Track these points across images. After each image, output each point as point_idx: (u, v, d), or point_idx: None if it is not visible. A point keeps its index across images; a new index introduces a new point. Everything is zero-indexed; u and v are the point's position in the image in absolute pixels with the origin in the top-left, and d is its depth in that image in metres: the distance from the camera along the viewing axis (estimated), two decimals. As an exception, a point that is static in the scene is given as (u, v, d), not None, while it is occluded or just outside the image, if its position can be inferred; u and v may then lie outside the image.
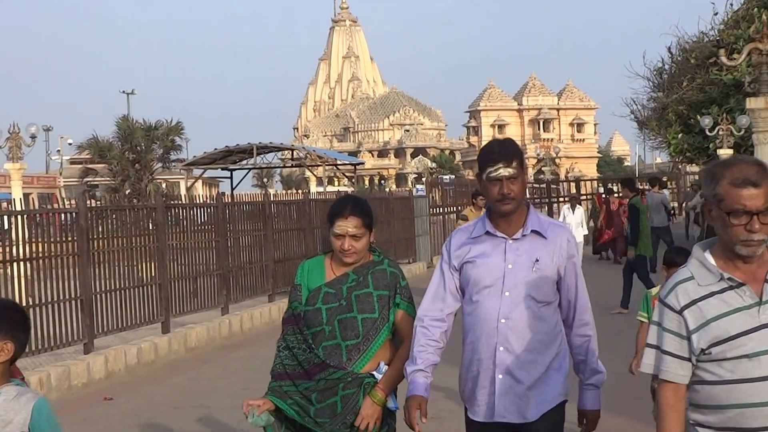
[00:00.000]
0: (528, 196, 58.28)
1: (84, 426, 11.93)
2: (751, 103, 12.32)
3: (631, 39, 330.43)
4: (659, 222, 29.14)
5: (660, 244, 26.50)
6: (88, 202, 16.70)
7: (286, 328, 5.86)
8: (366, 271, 5.85)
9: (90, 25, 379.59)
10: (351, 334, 5.72)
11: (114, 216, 17.51)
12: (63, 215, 16.26)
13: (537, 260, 5.38)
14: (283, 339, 5.85)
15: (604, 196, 32.83)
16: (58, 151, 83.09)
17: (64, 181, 75.36)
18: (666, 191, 30.35)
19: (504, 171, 5.32)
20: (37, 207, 16.13)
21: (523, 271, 5.38)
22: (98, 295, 15.89)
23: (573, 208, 27.46)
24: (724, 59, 13.21)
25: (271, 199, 23.98)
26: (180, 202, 20.11)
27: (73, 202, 16.23)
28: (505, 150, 5.40)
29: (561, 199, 55.40)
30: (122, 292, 16.62)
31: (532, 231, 5.43)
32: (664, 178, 66.92)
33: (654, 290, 8.71)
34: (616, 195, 32.53)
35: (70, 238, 15.75)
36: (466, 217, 20.30)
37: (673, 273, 8.25)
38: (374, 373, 5.73)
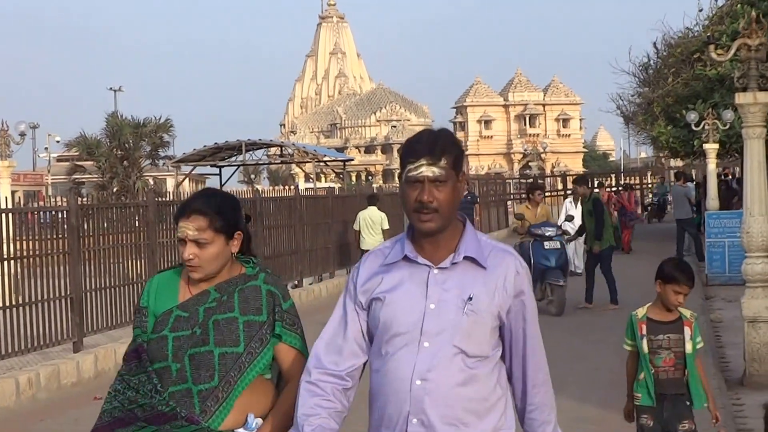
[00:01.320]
0: (515, 191, 58.01)
1: (74, 425, 11.83)
2: (740, 98, 12.23)
3: (616, 35, 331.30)
4: (684, 214, 29.42)
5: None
6: (78, 199, 16.58)
7: (126, 366, 4.41)
8: (233, 288, 4.38)
9: (76, 22, 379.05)
10: (205, 375, 4.27)
11: (105, 214, 17.38)
12: (48, 213, 16.12)
13: (470, 298, 3.92)
14: (120, 379, 4.38)
15: (595, 190, 33.31)
16: (46, 148, 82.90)
17: (52, 179, 75.18)
18: (690, 184, 30.57)
19: (426, 170, 3.90)
20: (22, 205, 15.95)
21: (451, 312, 3.91)
22: (88, 294, 15.78)
23: (576, 201, 27.47)
24: (713, 55, 13.12)
25: (262, 195, 23.91)
26: (172, 199, 19.95)
27: (63, 199, 16.09)
28: (433, 142, 3.96)
29: (549, 194, 55.52)
30: (112, 290, 16.50)
31: (466, 258, 3.98)
32: (649, 172, 67.47)
33: (640, 312, 7.33)
34: (606, 189, 34.85)
35: (59, 236, 15.62)
36: (522, 216, 19.61)
37: (670, 290, 7.14)
38: (240, 430, 4.32)
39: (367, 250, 20.83)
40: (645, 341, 7.21)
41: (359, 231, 24.58)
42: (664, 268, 7.28)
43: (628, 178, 60.68)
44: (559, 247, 18.69)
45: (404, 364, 3.90)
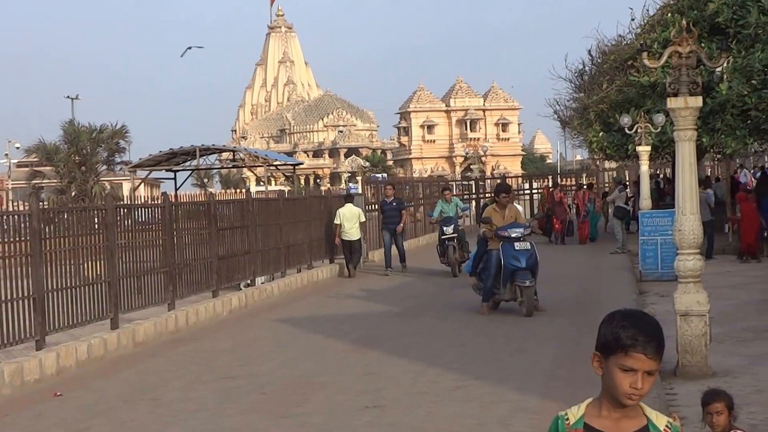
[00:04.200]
0: (456, 192, 58.36)
1: (37, 421, 11.70)
2: (671, 103, 12.33)
3: (554, 43, 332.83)
4: (704, 217, 29.66)
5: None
6: (40, 203, 16.44)
7: None
8: None
9: (37, 29, 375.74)
10: None
11: (65, 217, 17.24)
12: (11, 217, 15.98)
13: None
14: None
15: (551, 189, 39.36)
16: (6, 155, 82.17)
17: (12, 184, 74.50)
18: (710, 191, 30.83)
19: None
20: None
21: None
22: (50, 294, 15.64)
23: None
24: (646, 62, 13.25)
25: (216, 199, 23.82)
26: (129, 202, 19.85)
27: (25, 204, 15.94)
28: None
29: (488, 196, 55.67)
30: (73, 290, 16.37)
31: None
32: (584, 174, 67.92)
33: (572, 414, 3.64)
34: (559, 189, 39.43)
35: (22, 239, 15.48)
36: (489, 219, 18.53)
37: (614, 368, 3.42)
38: None
39: (347, 241, 22.11)
40: None
41: (340, 224, 27.64)
42: (602, 328, 3.62)
43: (565, 179, 61.11)
44: (530, 248, 17.98)
45: None
